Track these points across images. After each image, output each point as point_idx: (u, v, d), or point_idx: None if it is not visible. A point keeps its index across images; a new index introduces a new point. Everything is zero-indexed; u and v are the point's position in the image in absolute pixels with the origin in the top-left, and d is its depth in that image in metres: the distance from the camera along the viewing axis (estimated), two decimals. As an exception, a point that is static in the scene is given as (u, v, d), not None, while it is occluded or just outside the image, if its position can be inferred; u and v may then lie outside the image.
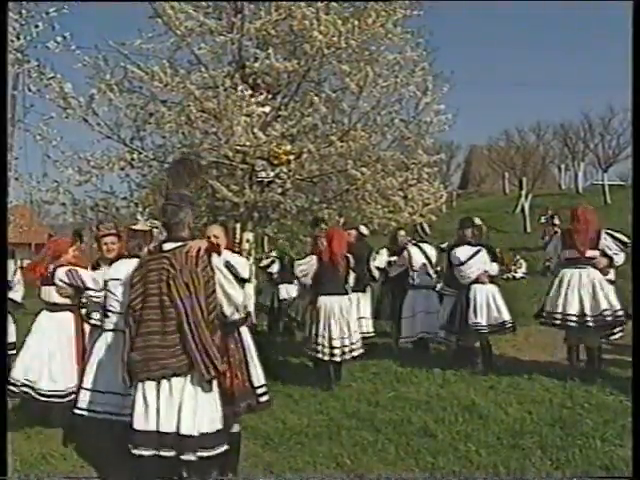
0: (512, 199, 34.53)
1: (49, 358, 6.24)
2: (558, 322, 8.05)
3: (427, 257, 9.82)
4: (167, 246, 4.41)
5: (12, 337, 8.54)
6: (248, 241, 12.93)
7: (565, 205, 27.06)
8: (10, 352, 8.41)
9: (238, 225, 13.70)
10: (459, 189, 45.19)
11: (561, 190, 39.47)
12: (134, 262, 4.76)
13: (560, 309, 7.93)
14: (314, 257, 8.20)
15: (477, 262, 8.67)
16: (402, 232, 10.62)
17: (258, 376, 5.09)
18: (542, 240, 23.11)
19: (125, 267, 5.11)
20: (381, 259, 10.27)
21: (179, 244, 4.37)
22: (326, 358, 7.82)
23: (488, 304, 8.57)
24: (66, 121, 12.46)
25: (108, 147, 12.99)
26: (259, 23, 12.19)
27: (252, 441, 5.90)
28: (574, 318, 7.86)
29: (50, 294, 6.51)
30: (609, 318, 7.75)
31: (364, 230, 10.54)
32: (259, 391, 5.03)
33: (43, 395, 6.23)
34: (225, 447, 4.35)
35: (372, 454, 5.49)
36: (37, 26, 12.13)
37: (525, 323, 9.48)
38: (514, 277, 17.64)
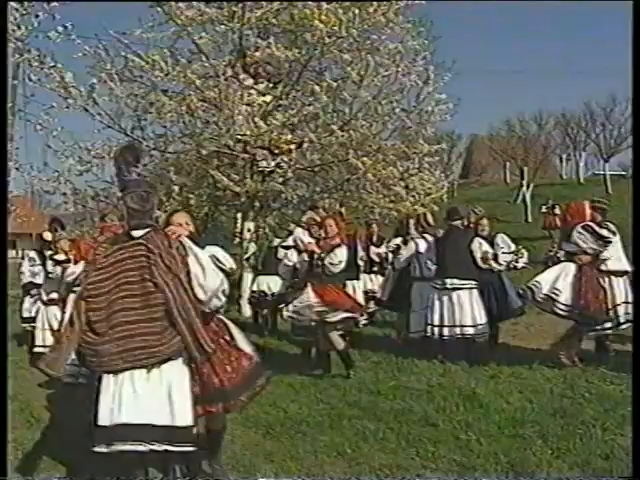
0: (513, 189, 34.52)
1: None
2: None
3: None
4: (137, 233, 4.22)
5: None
6: (249, 230, 12.95)
7: (566, 195, 27.07)
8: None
9: (239, 214, 13.72)
10: (460, 179, 45.09)
11: (562, 180, 39.40)
12: None
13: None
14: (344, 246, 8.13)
15: None
16: (412, 221, 10.48)
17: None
18: (543, 230, 23.10)
19: None
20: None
21: (148, 230, 4.22)
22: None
23: None
24: (67, 111, 12.50)
25: (109, 137, 13.06)
26: (260, 12, 12.17)
27: (253, 430, 5.91)
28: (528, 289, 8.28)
29: None
30: (557, 301, 7.99)
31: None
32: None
33: None
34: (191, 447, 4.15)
35: (373, 443, 5.49)
36: (38, 16, 12.13)
37: (526, 313, 9.48)
38: (515, 267, 17.58)
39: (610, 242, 7.95)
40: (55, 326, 8.43)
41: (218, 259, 4.37)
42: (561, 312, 8.01)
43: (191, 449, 4.07)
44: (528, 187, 30.42)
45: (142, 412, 3.98)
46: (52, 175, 13.09)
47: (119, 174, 4.36)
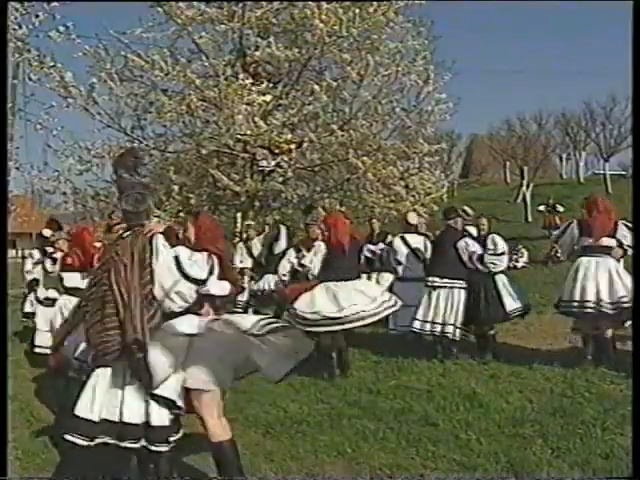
0: (513, 188, 34.52)
1: None
2: (575, 310, 8.03)
3: (412, 249, 9.65)
4: (126, 234, 4.30)
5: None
6: (249, 229, 12.94)
7: (566, 194, 27.07)
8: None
9: (239, 214, 13.71)
10: (460, 178, 45.14)
11: (562, 180, 39.39)
12: None
13: (577, 297, 7.92)
14: (322, 244, 8.11)
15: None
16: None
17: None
18: (543, 229, 23.05)
19: None
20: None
21: (134, 230, 4.26)
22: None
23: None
24: (67, 110, 12.53)
25: (109, 136, 13.09)
26: (260, 11, 12.18)
27: (253, 430, 5.90)
28: (591, 305, 7.82)
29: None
30: (626, 305, 7.71)
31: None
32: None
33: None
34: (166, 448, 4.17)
35: (373, 443, 5.49)
36: (38, 15, 12.15)
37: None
38: (515, 266, 17.58)
39: None
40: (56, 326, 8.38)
41: (179, 261, 4.28)
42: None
43: (164, 449, 4.10)
44: (528, 187, 30.40)
45: (97, 408, 4.04)
46: (52, 174, 13.12)
47: (117, 177, 4.38)
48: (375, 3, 12.12)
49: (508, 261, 9.27)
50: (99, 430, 4.03)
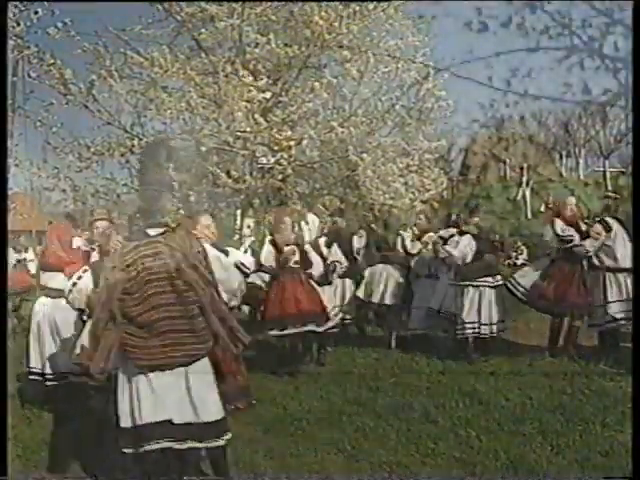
0: (513, 186, 34.50)
1: None
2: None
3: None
4: (152, 232, 4.21)
5: None
6: (249, 227, 12.93)
7: (566, 192, 27.06)
8: None
9: (239, 211, 13.68)
10: (460, 175, 45.02)
11: (562, 177, 39.34)
12: None
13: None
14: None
15: None
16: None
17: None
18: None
19: None
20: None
21: (166, 229, 4.22)
22: None
23: None
24: (66, 107, 12.45)
25: (108, 133, 12.98)
26: (260, 8, 12.12)
27: (253, 427, 5.90)
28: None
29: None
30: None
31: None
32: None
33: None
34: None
35: (373, 440, 5.50)
36: (37, 12, 12.09)
37: (526, 310, 9.45)
38: (515, 264, 17.56)
39: None
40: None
41: (244, 265, 4.46)
42: None
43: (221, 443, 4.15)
44: (528, 184, 30.39)
45: (163, 410, 4.01)
46: (51, 172, 13.05)
47: (140, 170, 4.46)
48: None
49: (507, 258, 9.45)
50: (178, 433, 4.03)
